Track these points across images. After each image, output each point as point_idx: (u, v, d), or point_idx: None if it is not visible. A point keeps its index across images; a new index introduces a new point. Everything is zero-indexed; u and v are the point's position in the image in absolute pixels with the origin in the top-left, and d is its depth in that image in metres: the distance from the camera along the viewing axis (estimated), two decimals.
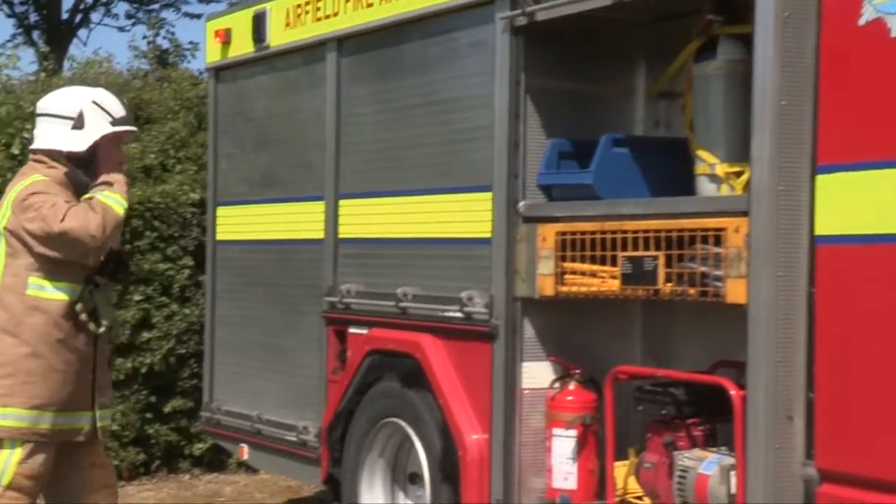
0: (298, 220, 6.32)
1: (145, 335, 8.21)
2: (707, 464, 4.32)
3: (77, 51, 22.92)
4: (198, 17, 20.57)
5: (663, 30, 5.02)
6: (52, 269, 4.42)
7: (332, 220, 6.02)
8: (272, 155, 6.61)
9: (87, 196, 4.49)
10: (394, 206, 5.66)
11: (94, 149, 4.50)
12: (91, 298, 4.48)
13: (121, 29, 21.87)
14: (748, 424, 4.04)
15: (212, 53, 7.05)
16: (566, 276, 4.75)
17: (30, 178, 4.49)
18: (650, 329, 5.20)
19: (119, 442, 8.12)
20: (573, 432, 4.81)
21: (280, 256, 6.52)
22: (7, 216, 4.45)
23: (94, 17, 21.65)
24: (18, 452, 4.39)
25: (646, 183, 4.77)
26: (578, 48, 5.08)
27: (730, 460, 4.25)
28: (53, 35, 19.63)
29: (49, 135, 4.51)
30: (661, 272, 4.34)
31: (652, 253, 4.37)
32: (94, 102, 4.53)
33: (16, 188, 4.50)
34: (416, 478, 5.58)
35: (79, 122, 4.46)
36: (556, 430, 4.86)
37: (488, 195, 5.08)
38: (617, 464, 4.70)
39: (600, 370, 4.84)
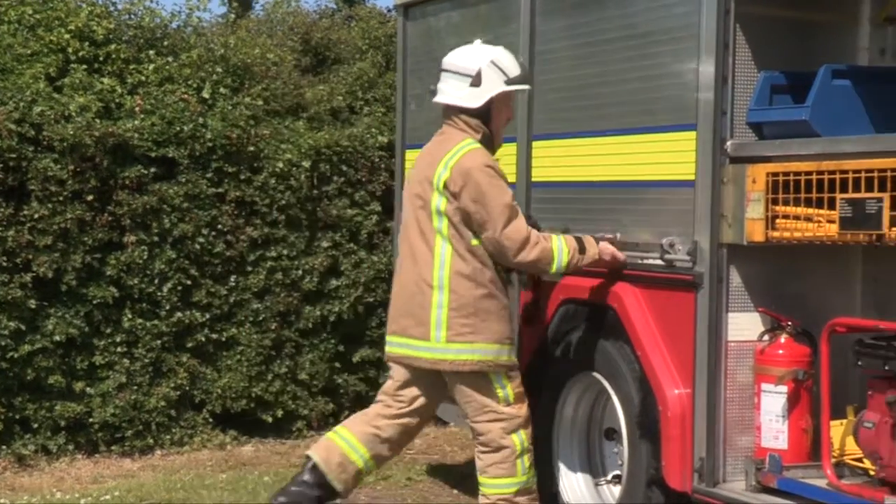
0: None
1: (333, 283, 8.37)
2: None
3: None
4: None
5: None
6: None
7: (525, 162, 5.96)
8: None
9: (571, 244, 5.13)
10: (590, 147, 5.55)
11: (489, 105, 5.10)
12: None
13: None
14: None
15: None
16: (778, 221, 4.60)
17: (466, 144, 5.05)
18: (872, 277, 4.98)
19: (308, 391, 8.33)
20: (784, 388, 4.68)
21: None
22: (445, 177, 5.01)
23: None
24: (504, 377, 5.12)
25: (869, 118, 4.58)
26: None
27: None
28: None
29: (449, 90, 5.14)
30: (886, 215, 4.14)
31: (875, 195, 4.18)
32: (493, 62, 5.12)
33: (458, 151, 5.02)
34: (612, 433, 5.53)
35: (476, 80, 5.07)
36: (765, 386, 4.73)
37: (692, 134, 4.92)
38: (833, 423, 4.54)
39: (815, 322, 4.69)
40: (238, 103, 8.17)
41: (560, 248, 5.11)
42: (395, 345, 5.27)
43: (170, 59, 8.29)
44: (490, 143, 5.18)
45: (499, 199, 5.00)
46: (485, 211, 4.98)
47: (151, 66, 8.17)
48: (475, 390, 5.11)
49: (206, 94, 8.10)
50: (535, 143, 5.92)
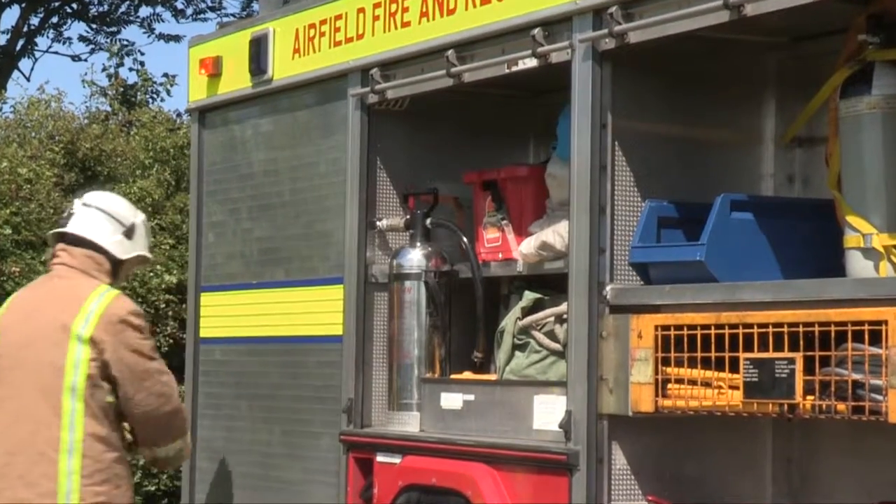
0: (310, 311, 6.38)
1: None
2: None
3: (17, 89, 23.39)
4: (176, 39, 20.85)
5: (799, 55, 5.06)
6: None
7: (358, 309, 6.08)
8: (275, 224, 6.68)
9: None
10: None
11: (125, 261, 5.79)
12: None
13: (75, 58, 22.27)
14: None
15: (195, 89, 7.17)
16: (669, 386, 4.73)
17: (105, 289, 5.60)
18: (784, 457, 5.17)
19: None
20: None
21: (284, 359, 6.56)
22: (93, 325, 5.48)
23: (41, 42, 22.09)
24: None
25: (776, 260, 4.77)
26: (685, 80, 5.13)
27: None
28: None
29: (99, 228, 5.75)
30: (799, 380, 4.30)
31: (786, 354, 4.34)
32: (144, 223, 5.95)
33: (100, 297, 5.54)
34: None
35: (129, 232, 5.80)
36: None
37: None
38: None
39: None
40: None
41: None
42: None
43: None
44: None
45: (152, 350, 5.69)
46: (143, 361, 5.56)
47: None
48: None
49: None
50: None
